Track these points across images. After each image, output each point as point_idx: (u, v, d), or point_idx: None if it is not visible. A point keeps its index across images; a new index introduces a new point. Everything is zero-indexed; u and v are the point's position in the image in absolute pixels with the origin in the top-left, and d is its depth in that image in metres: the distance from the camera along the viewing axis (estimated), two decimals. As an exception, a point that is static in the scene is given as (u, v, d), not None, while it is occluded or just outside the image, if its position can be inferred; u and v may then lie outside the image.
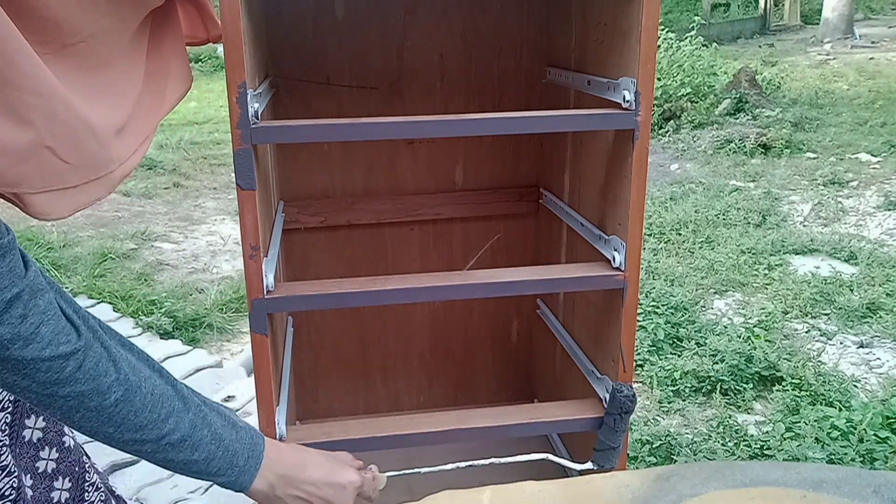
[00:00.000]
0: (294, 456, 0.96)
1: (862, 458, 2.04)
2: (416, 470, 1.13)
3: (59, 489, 0.91)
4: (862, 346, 2.77)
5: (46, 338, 0.68)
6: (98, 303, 3.12)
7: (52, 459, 0.91)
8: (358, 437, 1.22)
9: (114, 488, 1.08)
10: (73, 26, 0.69)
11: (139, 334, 2.84)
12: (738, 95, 6.65)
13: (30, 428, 0.88)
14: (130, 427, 0.77)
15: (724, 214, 4.22)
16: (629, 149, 1.16)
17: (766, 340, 2.72)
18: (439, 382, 1.96)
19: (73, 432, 0.96)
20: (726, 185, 4.83)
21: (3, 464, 0.82)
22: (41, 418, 0.90)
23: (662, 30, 7.08)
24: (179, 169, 5.65)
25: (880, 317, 2.96)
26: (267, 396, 1.16)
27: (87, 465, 0.98)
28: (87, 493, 0.97)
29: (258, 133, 1.06)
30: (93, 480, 0.98)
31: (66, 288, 3.26)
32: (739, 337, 2.74)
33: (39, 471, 0.89)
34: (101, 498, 0.99)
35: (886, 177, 4.96)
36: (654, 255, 3.65)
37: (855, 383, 2.48)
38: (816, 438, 2.11)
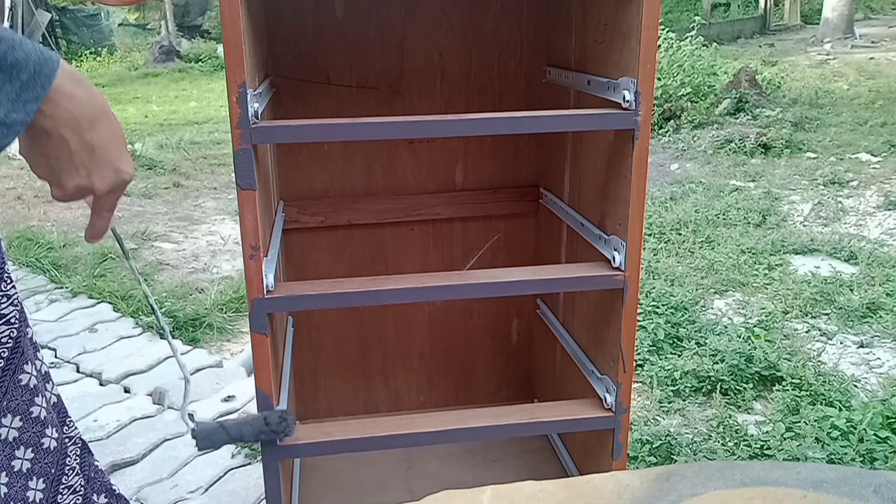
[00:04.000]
0: (92, 100, 0.72)
1: (862, 458, 2.04)
2: None
3: (33, 489, 0.91)
4: (862, 346, 2.77)
5: None
6: (98, 303, 3.12)
7: (27, 459, 0.90)
8: (358, 437, 1.22)
9: (115, 488, 1.08)
10: None
11: (139, 334, 2.84)
12: (738, 95, 6.65)
13: (6, 427, 0.88)
14: None
15: (724, 214, 4.22)
16: (629, 149, 1.16)
17: (766, 340, 2.72)
18: (439, 382, 1.96)
19: (55, 433, 0.95)
20: (726, 184, 4.83)
21: None
22: (17, 417, 0.89)
23: (662, 30, 7.08)
24: (179, 169, 5.65)
25: (880, 317, 2.96)
26: (267, 396, 1.16)
27: (66, 468, 0.97)
28: (60, 496, 0.96)
29: (258, 133, 1.06)
30: (71, 483, 0.97)
31: (67, 287, 3.27)
32: (739, 337, 2.74)
33: (15, 469, 0.89)
34: (77, 501, 0.99)
35: (886, 177, 4.96)
36: (654, 255, 3.65)
37: (855, 383, 2.48)
38: (816, 438, 2.11)
